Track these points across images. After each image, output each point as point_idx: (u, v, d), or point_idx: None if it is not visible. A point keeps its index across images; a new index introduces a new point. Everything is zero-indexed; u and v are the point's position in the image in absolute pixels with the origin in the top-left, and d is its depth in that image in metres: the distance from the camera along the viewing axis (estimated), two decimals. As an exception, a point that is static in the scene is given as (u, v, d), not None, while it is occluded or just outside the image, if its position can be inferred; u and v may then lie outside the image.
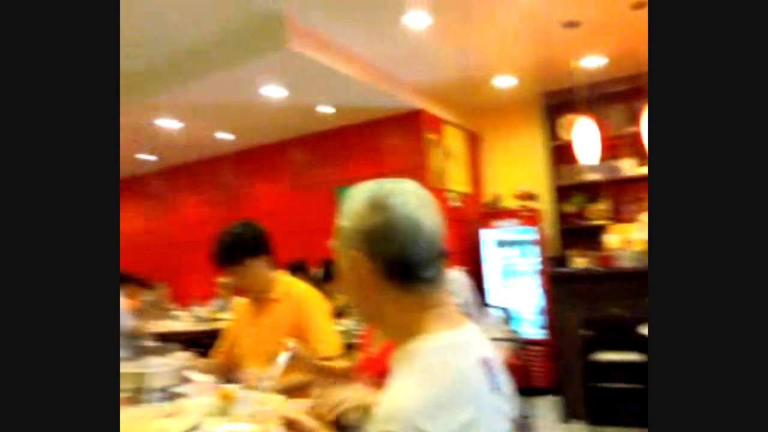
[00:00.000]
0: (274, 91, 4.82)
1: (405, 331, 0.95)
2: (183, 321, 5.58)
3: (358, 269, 0.95)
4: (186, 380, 1.77)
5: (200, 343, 4.07)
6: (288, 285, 2.26)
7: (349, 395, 1.38)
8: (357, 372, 1.80)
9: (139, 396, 1.58)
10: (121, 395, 1.68)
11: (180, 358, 2.03)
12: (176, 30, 4.03)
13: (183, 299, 6.37)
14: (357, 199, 1.00)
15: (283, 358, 1.80)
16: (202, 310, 5.65)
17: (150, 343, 1.83)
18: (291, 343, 1.86)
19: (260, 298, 2.21)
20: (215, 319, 5.19)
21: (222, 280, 5.66)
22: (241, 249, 2.12)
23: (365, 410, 1.31)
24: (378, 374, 1.53)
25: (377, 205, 0.95)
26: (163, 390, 1.48)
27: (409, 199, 0.97)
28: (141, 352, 1.86)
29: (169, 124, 5.60)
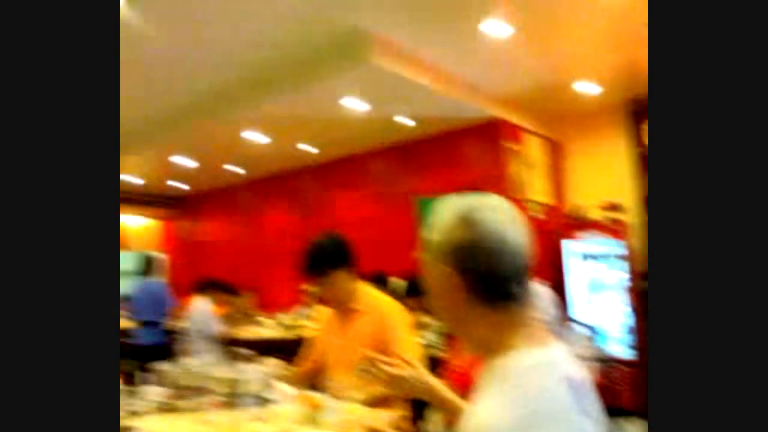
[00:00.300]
0: (355, 104, 4.94)
1: (492, 348, 0.95)
2: (268, 328, 5.77)
3: (447, 284, 0.96)
4: (274, 387, 1.84)
5: (285, 350, 4.21)
6: (371, 297, 2.29)
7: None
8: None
9: (232, 400, 1.66)
10: (215, 399, 1.78)
11: (270, 365, 2.11)
12: (263, 47, 4.23)
13: (268, 307, 6.61)
14: (446, 213, 1.00)
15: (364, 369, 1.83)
16: (286, 318, 5.83)
17: (242, 350, 1.90)
18: (374, 354, 1.88)
19: (344, 308, 2.25)
20: (299, 327, 5.34)
21: (307, 288, 5.81)
22: (325, 260, 2.17)
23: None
24: (463, 388, 1.53)
25: (466, 220, 0.96)
26: (255, 396, 1.55)
27: (497, 214, 0.97)
28: (233, 357, 1.93)
29: (255, 137, 5.86)
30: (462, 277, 0.94)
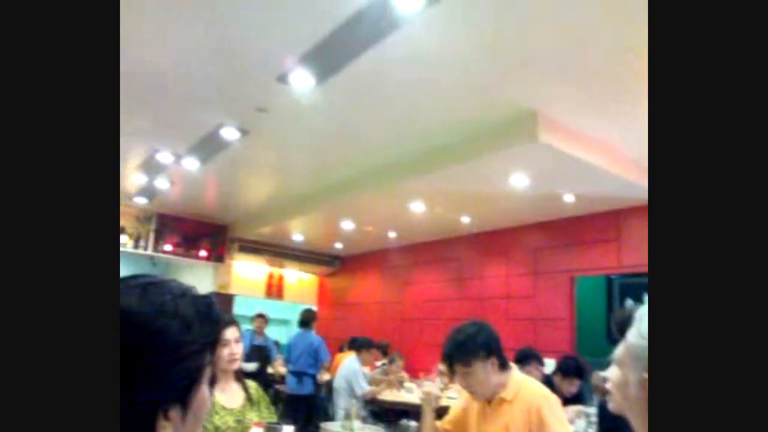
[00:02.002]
0: (519, 180, 5.01)
1: None
2: (411, 392, 5.79)
3: (642, 392, 0.95)
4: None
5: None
6: (520, 385, 2.21)
7: None
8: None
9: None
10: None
11: (431, 387, 2.13)
12: (436, 125, 4.50)
13: (412, 372, 6.66)
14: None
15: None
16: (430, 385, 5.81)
17: (410, 423, 1.94)
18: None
19: (489, 397, 2.21)
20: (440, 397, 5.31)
21: (440, 367, 5.81)
22: (471, 351, 2.10)
23: None
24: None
25: None
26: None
27: None
28: (379, 418, 1.99)
29: (417, 207, 6.13)
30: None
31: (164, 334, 0.65)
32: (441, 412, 2.32)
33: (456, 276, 7.63)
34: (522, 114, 4.13)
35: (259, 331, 6.62)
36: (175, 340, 0.66)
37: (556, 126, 4.23)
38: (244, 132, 4.83)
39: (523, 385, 2.18)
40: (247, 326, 6.55)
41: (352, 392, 5.21)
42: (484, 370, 2.10)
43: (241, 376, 2.40)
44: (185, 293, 0.71)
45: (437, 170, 4.98)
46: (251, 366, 5.99)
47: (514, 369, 2.24)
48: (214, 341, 0.71)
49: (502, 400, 2.14)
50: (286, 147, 5.32)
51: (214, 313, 0.73)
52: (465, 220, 6.73)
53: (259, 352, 6.38)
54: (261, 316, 6.74)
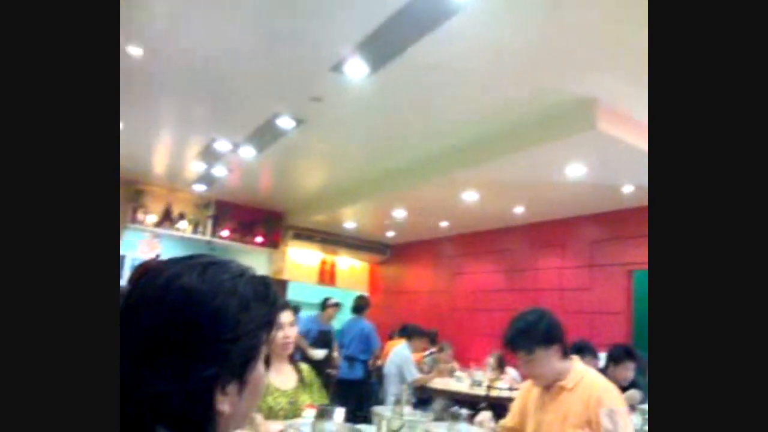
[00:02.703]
0: (576, 170, 4.89)
1: None
2: (459, 381, 5.80)
3: None
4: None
5: (473, 406, 4.20)
6: (582, 374, 2.18)
7: None
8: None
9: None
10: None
11: (485, 417, 2.13)
12: (491, 115, 4.45)
13: (461, 361, 6.65)
14: None
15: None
16: (480, 374, 5.80)
17: (462, 410, 1.94)
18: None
19: (550, 385, 2.19)
20: (491, 387, 5.28)
21: (490, 357, 5.78)
22: (534, 338, 2.09)
23: None
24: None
25: None
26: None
27: None
28: (429, 405, 2.00)
29: (470, 196, 6.08)
30: None
31: (223, 311, 0.67)
32: (495, 407, 2.32)
33: (508, 267, 7.54)
34: (580, 102, 4.02)
35: (329, 319, 6.33)
36: (234, 318, 0.68)
37: (615, 114, 4.10)
38: (299, 121, 4.91)
39: (586, 375, 2.15)
40: (308, 312, 6.63)
41: (402, 378, 5.25)
42: (547, 357, 2.10)
43: (294, 359, 2.47)
44: (244, 273, 0.73)
45: (491, 159, 4.91)
46: (320, 353, 5.73)
47: (576, 359, 2.23)
48: (270, 321, 0.73)
49: (562, 389, 2.13)
50: (340, 136, 5.37)
51: (271, 293, 0.75)
52: (518, 210, 6.62)
53: (326, 338, 6.20)
54: (337, 304, 6.42)
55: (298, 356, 5.17)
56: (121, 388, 0.64)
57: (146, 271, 0.71)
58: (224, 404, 0.67)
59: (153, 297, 0.67)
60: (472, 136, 4.91)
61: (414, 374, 5.31)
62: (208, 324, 0.66)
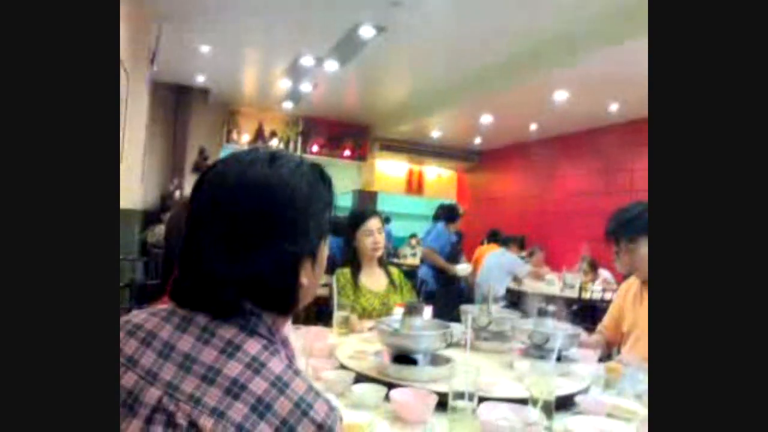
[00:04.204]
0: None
1: None
2: (551, 285, 5.83)
3: None
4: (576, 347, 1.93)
5: (565, 308, 4.22)
6: None
7: None
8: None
9: (536, 353, 1.81)
10: (518, 346, 1.95)
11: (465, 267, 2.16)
12: (578, 4, 4.15)
13: (552, 264, 6.64)
14: None
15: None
16: (571, 277, 5.79)
17: (549, 307, 1.99)
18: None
19: (646, 279, 2.18)
20: (582, 289, 5.28)
21: (582, 261, 5.72)
22: (637, 227, 2.08)
23: None
24: None
25: None
26: (558, 351, 1.66)
27: None
28: (539, 312, 2.05)
29: (559, 95, 5.82)
30: None
31: (298, 191, 0.74)
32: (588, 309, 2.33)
33: (602, 167, 7.26)
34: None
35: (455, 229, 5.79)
36: (306, 200, 0.75)
37: None
38: (379, 29, 4.83)
39: None
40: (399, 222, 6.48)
41: (492, 283, 5.38)
42: (648, 248, 2.06)
43: (385, 260, 2.61)
44: (301, 161, 0.79)
45: (582, 55, 4.62)
46: (466, 268, 5.37)
47: None
48: (330, 201, 0.80)
49: None
50: (421, 42, 5.24)
51: (326, 176, 0.81)
52: (613, 108, 6.25)
53: (456, 249, 5.85)
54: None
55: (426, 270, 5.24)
56: (206, 279, 0.70)
57: (206, 172, 0.76)
58: (304, 278, 0.75)
59: (231, 191, 0.72)
60: (560, 32, 4.62)
61: (525, 269, 5.49)
62: (288, 203, 0.73)
